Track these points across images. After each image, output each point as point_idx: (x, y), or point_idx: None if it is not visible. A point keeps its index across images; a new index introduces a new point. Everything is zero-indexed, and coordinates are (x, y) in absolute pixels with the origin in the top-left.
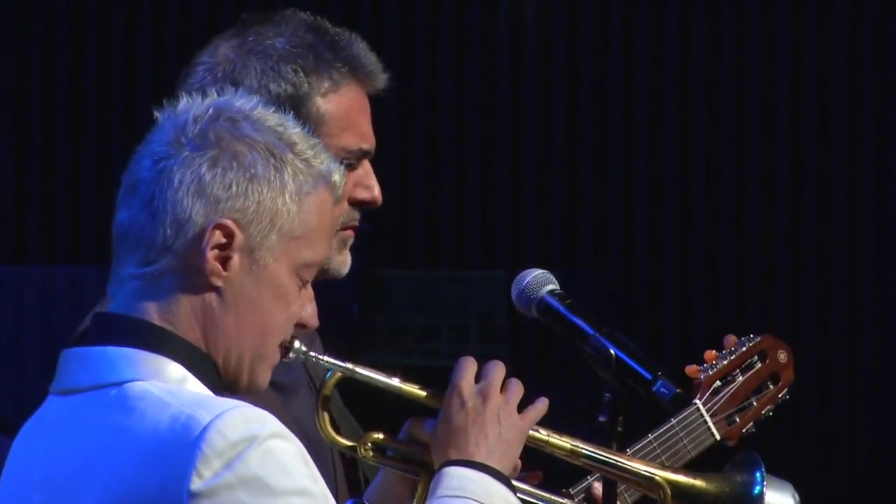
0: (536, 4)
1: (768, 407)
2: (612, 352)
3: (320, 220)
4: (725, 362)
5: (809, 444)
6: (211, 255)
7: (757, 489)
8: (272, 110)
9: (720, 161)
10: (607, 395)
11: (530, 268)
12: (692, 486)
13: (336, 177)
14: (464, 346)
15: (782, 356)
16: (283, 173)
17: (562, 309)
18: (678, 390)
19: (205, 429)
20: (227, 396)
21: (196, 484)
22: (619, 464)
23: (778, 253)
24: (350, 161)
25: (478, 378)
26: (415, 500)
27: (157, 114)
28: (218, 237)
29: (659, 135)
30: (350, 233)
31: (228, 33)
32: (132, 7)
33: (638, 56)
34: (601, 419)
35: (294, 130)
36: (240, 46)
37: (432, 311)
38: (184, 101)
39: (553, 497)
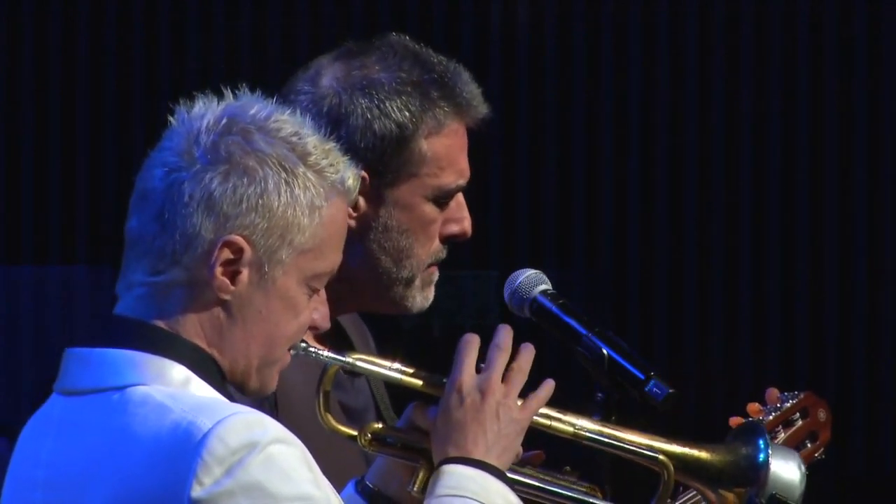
0: (529, 4)
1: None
2: (604, 352)
3: (331, 232)
4: (770, 418)
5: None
6: (219, 270)
7: (762, 456)
8: (289, 113)
9: (712, 162)
10: (599, 395)
11: (523, 268)
12: (697, 458)
13: (350, 182)
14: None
15: (822, 415)
16: (295, 188)
17: (554, 309)
18: (671, 391)
19: (205, 435)
20: (254, 402)
21: (196, 491)
22: (622, 444)
23: (770, 254)
24: (445, 200)
25: (479, 367)
26: (414, 485)
27: (170, 117)
28: (226, 254)
29: (651, 136)
30: (434, 270)
31: (329, 58)
32: (124, 8)
33: (630, 57)
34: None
35: (309, 139)
36: (344, 78)
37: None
38: (199, 105)
39: (556, 478)
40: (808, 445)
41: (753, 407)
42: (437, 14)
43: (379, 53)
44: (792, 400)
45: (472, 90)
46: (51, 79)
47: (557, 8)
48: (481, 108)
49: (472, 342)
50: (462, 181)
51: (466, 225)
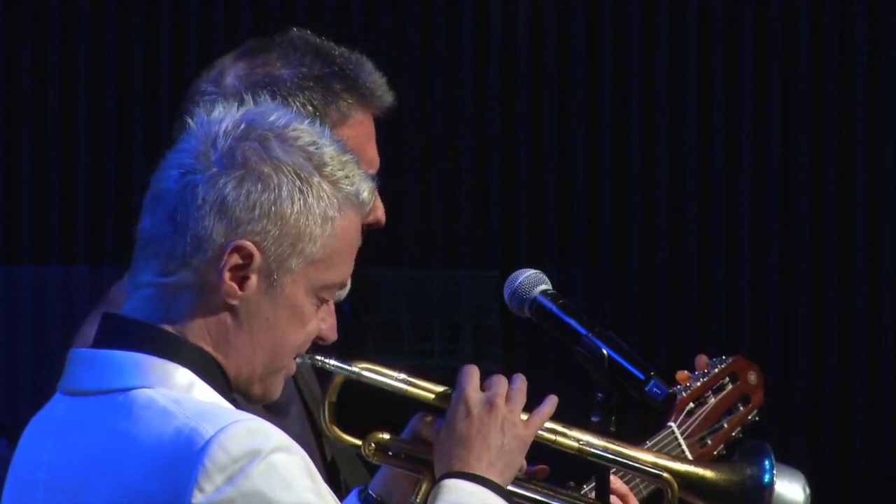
0: (529, 4)
1: (738, 428)
2: (604, 352)
3: (343, 243)
4: (698, 384)
5: (801, 445)
6: (227, 275)
7: (767, 478)
8: (308, 122)
9: (712, 162)
10: (599, 395)
11: (522, 268)
12: (702, 477)
13: (365, 195)
14: (456, 347)
15: (752, 378)
16: (308, 197)
17: (554, 309)
18: (670, 390)
19: (207, 443)
20: (243, 405)
21: (197, 498)
22: (627, 461)
23: (770, 254)
24: None
25: (483, 386)
26: (417, 497)
27: (189, 120)
28: (235, 259)
29: (651, 136)
30: None
31: (231, 57)
32: (124, 8)
33: (630, 57)
34: (593, 419)
35: (327, 149)
36: (247, 77)
37: (424, 312)
38: (219, 108)
39: (559, 493)
40: (741, 409)
41: (682, 375)
42: (437, 14)
43: (280, 50)
44: (721, 365)
45: (374, 80)
46: (51, 79)
47: (557, 7)
48: (385, 97)
49: (473, 367)
50: (371, 170)
51: (380, 214)
